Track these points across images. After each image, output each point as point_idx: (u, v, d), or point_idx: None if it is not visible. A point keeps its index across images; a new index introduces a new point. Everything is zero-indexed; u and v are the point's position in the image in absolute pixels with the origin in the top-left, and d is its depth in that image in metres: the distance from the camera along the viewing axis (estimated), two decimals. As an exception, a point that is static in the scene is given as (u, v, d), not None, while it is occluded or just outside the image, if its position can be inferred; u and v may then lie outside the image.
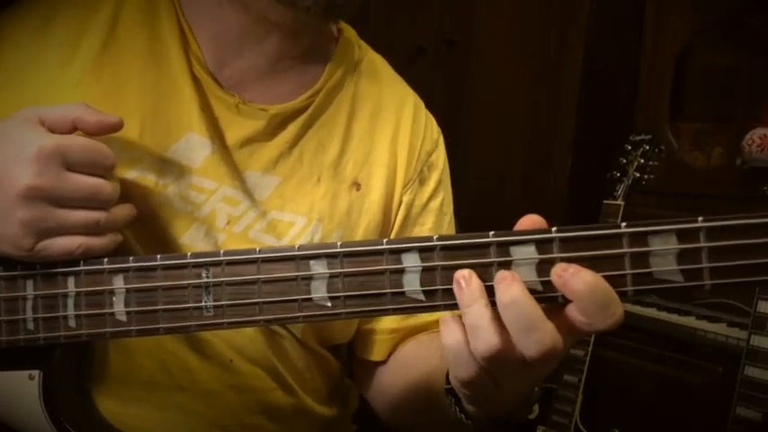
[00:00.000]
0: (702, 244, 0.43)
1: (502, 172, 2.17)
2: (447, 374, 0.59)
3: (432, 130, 0.87)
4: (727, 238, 0.43)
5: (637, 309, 1.87)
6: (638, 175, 1.77)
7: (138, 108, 0.72)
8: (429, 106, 0.89)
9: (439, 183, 0.85)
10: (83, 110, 0.64)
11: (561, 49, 2.20)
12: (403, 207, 0.82)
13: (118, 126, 0.65)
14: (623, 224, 0.44)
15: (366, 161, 0.80)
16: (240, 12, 0.73)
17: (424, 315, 0.80)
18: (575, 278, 0.45)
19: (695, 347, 1.75)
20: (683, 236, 0.43)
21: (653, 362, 1.83)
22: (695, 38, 2.18)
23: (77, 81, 0.72)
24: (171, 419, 0.74)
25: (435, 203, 0.84)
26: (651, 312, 1.85)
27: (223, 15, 0.74)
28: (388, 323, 0.81)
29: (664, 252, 0.44)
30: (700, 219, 0.43)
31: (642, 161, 1.78)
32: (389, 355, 0.83)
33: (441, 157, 0.87)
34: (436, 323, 0.72)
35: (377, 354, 0.82)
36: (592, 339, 1.73)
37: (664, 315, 1.82)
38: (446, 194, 0.87)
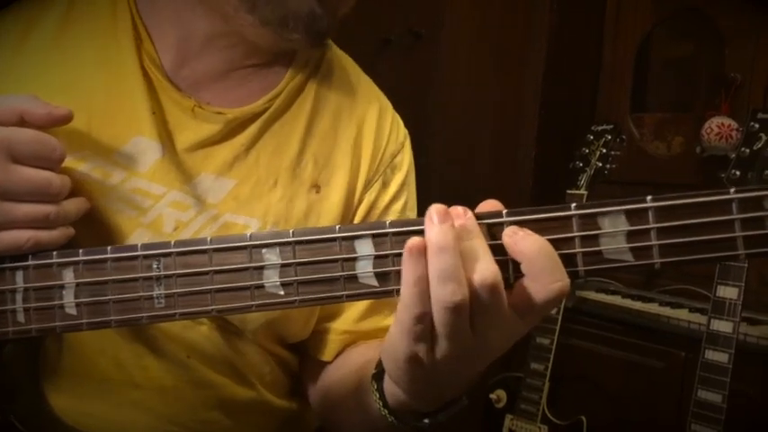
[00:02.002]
0: (651, 224, 0.43)
1: (467, 163, 2.17)
2: (378, 363, 0.58)
3: (397, 132, 0.84)
4: (676, 217, 0.43)
5: (601, 297, 1.91)
6: (600, 164, 1.80)
7: (87, 108, 0.69)
8: (395, 99, 0.86)
9: (402, 185, 0.83)
10: (31, 102, 0.61)
11: (524, 40, 2.21)
12: (363, 206, 0.80)
13: (68, 118, 0.63)
14: (573, 205, 0.44)
15: (327, 163, 0.77)
16: (215, 21, 0.71)
17: (377, 319, 0.79)
18: (524, 240, 0.46)
19: (659, 333, 1.78)
20: (632, 215, 0.44)
21: (618, 348, 1.86)
22: (655, 29, 2.22)
23: (26, 76, 0.70)
24: (126, 417, 0.73)
25: (397, 206, 0.82)
26: (615, 300, 1.88)
27: (192, 19, 0.72)
28: (342, 324, 0.79)
29: (613, 232, 0.44)
30: (648, 198, 0.43)
31: (604, 151, 1.81)
32: (337, 356, 0.81)
33: (406, 160, 0.84)
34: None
35: (327, 354, 0.80)
36: (558, 327, 1.75)
37: (628, 302, 1.86)
38: (410, 196, 0.84)
